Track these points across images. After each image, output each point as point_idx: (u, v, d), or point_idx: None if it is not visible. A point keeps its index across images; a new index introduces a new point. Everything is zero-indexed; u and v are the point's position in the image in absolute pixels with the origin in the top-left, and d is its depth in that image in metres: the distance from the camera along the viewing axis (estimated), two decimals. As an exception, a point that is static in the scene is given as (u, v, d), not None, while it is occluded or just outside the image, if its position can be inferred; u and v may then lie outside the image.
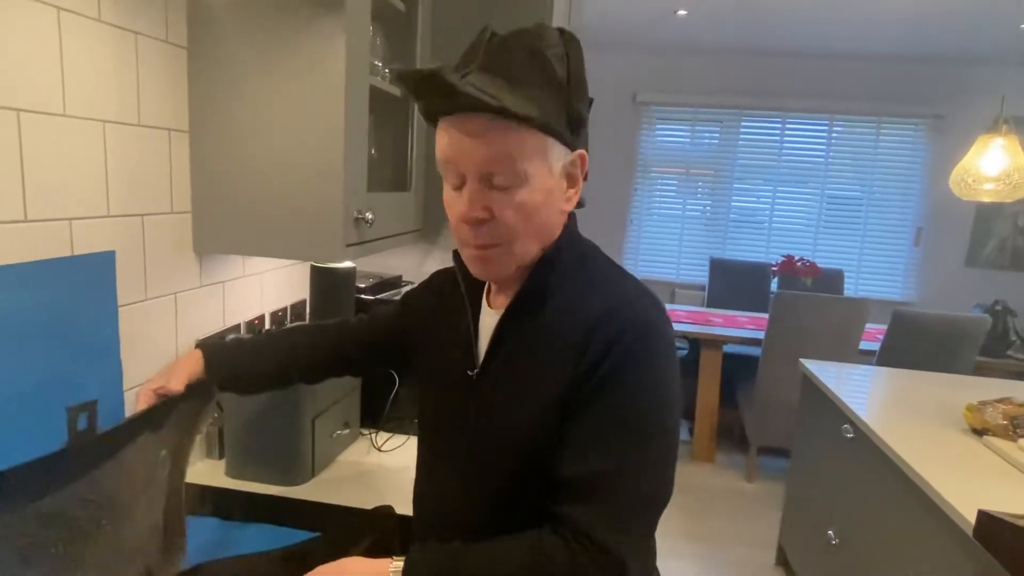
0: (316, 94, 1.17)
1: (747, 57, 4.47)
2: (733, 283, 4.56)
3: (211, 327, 1.35)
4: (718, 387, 3.61)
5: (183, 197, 1.23)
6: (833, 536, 2.05)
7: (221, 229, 1.25)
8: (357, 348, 1.08)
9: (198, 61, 1.19)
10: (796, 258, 3.87)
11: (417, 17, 1.55)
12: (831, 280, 4.33)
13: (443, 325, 0.91)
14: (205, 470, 1.30)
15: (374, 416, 1.47)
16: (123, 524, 0.82)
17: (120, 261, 1.08)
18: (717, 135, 4.66)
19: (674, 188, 4.80)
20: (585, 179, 0.80)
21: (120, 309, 1.09)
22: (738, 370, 3.95)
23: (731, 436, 4.02)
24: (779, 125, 4.56)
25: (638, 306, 0.77)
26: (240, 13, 1.17)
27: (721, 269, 4.62)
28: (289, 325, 1.08)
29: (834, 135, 4.52)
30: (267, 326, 1.55)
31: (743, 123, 4.60)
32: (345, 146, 1.17)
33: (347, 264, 1.43)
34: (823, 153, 4.55)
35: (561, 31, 0.74)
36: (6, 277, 0.87)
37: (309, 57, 1.16)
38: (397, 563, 0.72)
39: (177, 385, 0.96)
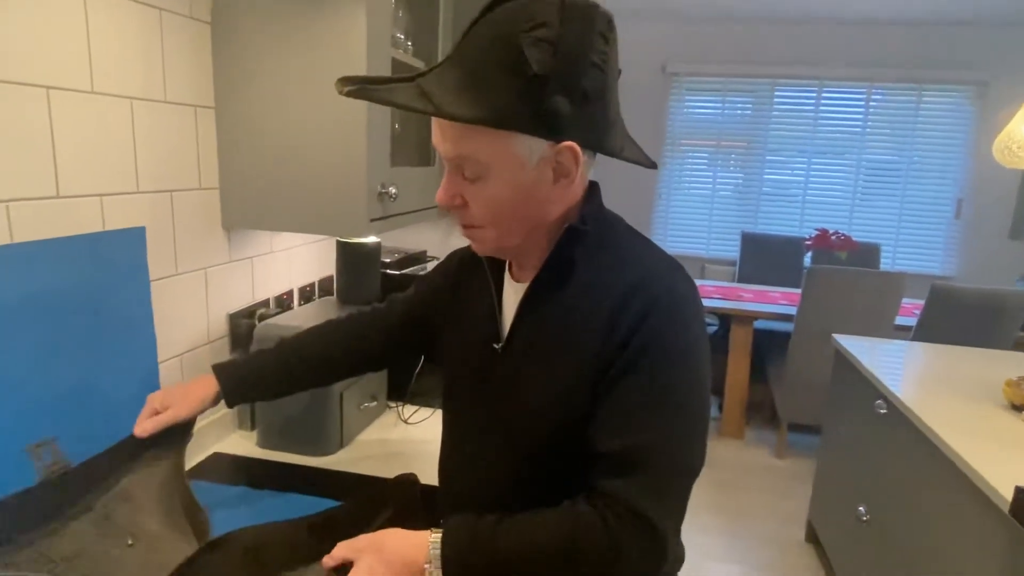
0: (338, 68, 1.16)
1: (781, 24, 4.33)
2: (765, 258, 4.48)
3: (241, 301, 1.38)
4: (748, 363, 3.57)
5: (211, 173, 1.25)
6: (864, 512, 2.03)
7: (248, 205, 1.27)
8: (378, 342, 1.06)
9: (222, 36, 1.20)
10: (831, 232, 3.78)
11: (439, -12, 1.53)
12: (867, 254, 4.22)
13: (466, 301, 0.91)
14: (238, 441, 1.34)
15: (400, 390, 1.49)
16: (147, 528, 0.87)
17: (150, 236, 1.10)
18: (750, 106, 4.54)
19: (704, 161, 4.70)
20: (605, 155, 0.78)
21: (152, 283, 1.11)
22: (770, 346, 3.90)
23: (761, 412, 3.98)
24: (814, 94, 4.42)
25: (667, 279, 0.76)
26: (262, -13, 1.17)
27: (753, 244, 4.53)
28: (306, 328, 1.06)
29: (872, 104, 4.37)
30: (296, 301, 1.57)
31: (777, 93, 4.47)
32: (368, 121, 1.17)
33: (372, 239, 1.44)
34: (860, 123, 4.40)
35: (564, 6, 0.68)
36: (42, 251, 0.89)
37: (331, 31, 1.15)
38: (436, 535, 0.72)
39: (186, 413, 0.95)
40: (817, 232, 3.84)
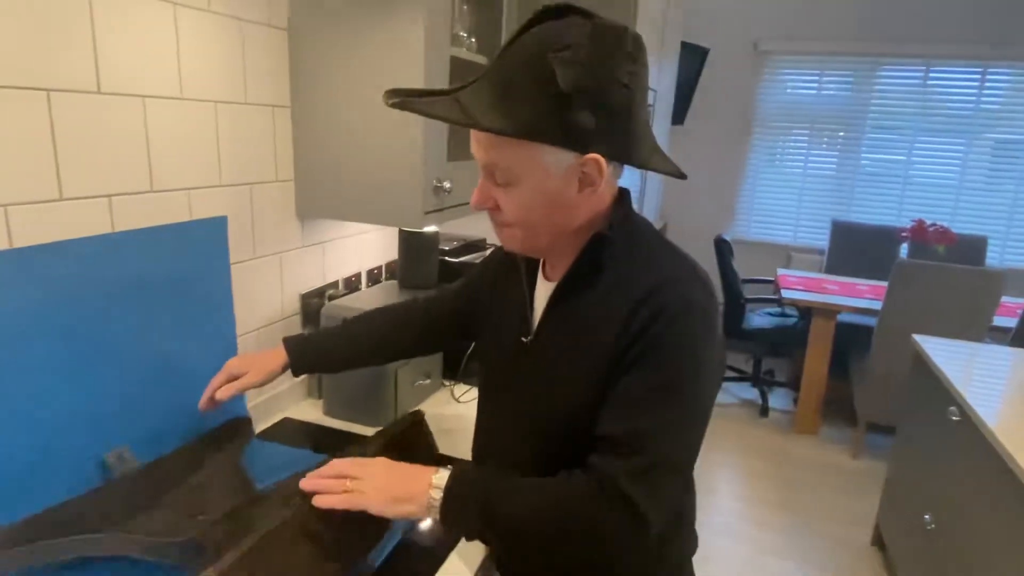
0: (399, 69, 1.25)
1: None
2: (856, 248, 4.26)
3: (312, 283, 1.51)
4: (827, 358, 3.44)
5: (286, 167, 1.37)
6: (929, 521, 1.95)
7: (319, 196, 1.39)
8: (426, 329, 1.17)
9: (297, 41, 1.31)
10: (928, 223, 3.54)
11: (504, -15, 1.58)
12: (971, 247, 3.93)
13: (502, 296, 0.99)
14: (307, 408, 1.48)
15: (453, 369, 1.58)
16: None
17: (231, 224, 1.24)
18: (848, 86, 4.28)
19: (795, 144, 4.49)
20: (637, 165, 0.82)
21: (232, 266, 1.26)
22: (853, 341, 3.73)
23: (841, 409, 3.83)
24: (921, 74, 4.11)
25: (683, 285, 0.80)
26: (333, -5, 1.26)
27: (844, 232, 4.32)
28: (367, 311, 1.19)
29: (986, 84, 4.01)
30: (364, 283, 1.70)
31: (879, 72, 4.19)
32: (426, 120, 1.25)
33: (431, 228, 1.53)
34: (972, 105, 4.06)
35: (594, 29, 0.73)
36: (138, 239, 1.04)
37: (392, 33, 1.24)
38: (441, 474, 0.82)
39: (259, 380, 1.08)
40: (914, 223, 3.61)
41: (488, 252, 1.42)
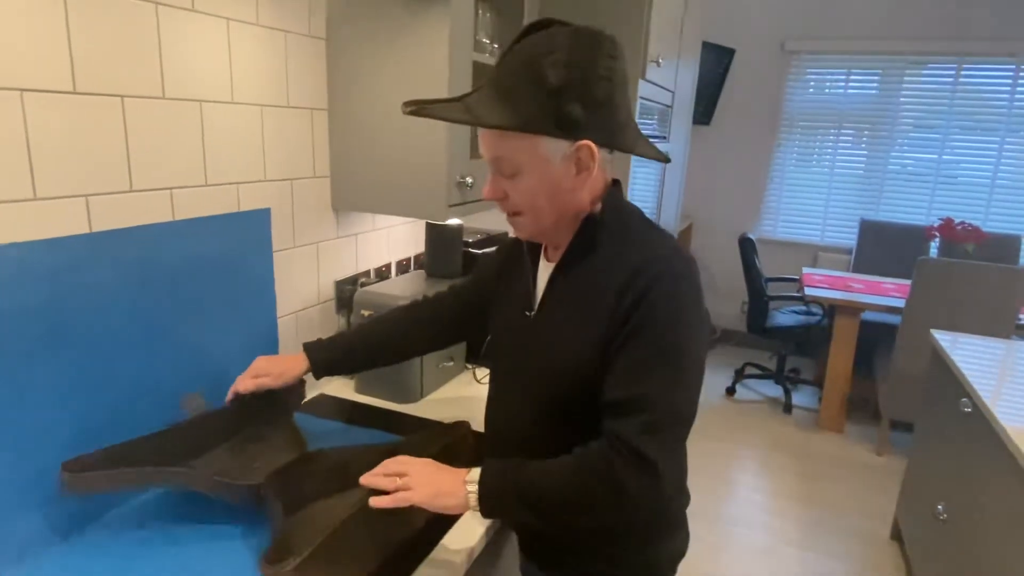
0: (424, 73, 1.37)
1: (917, -4, 4.03)
2: (885, 247, 4.25)
3: (346, 271, 1.64)
4: (851, 356, 3.46)
5: (323, 164, 1.50)
6: (942, 511, 1.99)
7: (352, 190, 1.51)
8: (439, 326, 1.25)
9: (334, 50, 1.44)
10: (956, 221, 3.53)
11: (525, -7, 1.69)
12: (1004, 246, 3.90)
13: (508, 282, 1.10)
14: (340, 386, 1.61)
15: (475, 352, 1.70)
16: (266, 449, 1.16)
17: (274, 216, 1.37)
18: (876, 84, 4.28)
19: (823, 143, 4.50)
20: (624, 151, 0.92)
21: (274, 254, 1.39)
22: (878, 339, 3.74)
23: (866, 407, 3.83)
24: (952, 71, 4.09)
25: (667, 260, 0.90)
26: (366, 6, 1.39)
27: (872, 231, 4.31)
28: (383, 313, 1.27)
29: (1020, 81, 3.97)
30: (393, 272, 1.82)
31: (908, 70, 4.18)
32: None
33: (455, 221, 1.65)
34: (1006, 102, 4.02)
35: (575, 34, 0.84)
36: (194, 227, 1.17)
37: (419, 40, 1.36)
38: (474, 472, 0.92)
39: (275, 384, 1.18)
40: (942, 221, 3.61)
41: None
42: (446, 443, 1.14)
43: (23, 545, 0.93)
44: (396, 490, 0.92)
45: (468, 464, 0.95)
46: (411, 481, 0.92)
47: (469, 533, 1.06)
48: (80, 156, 0.98)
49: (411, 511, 0.92)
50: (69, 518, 0.99)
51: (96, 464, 0.96)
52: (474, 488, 0.90)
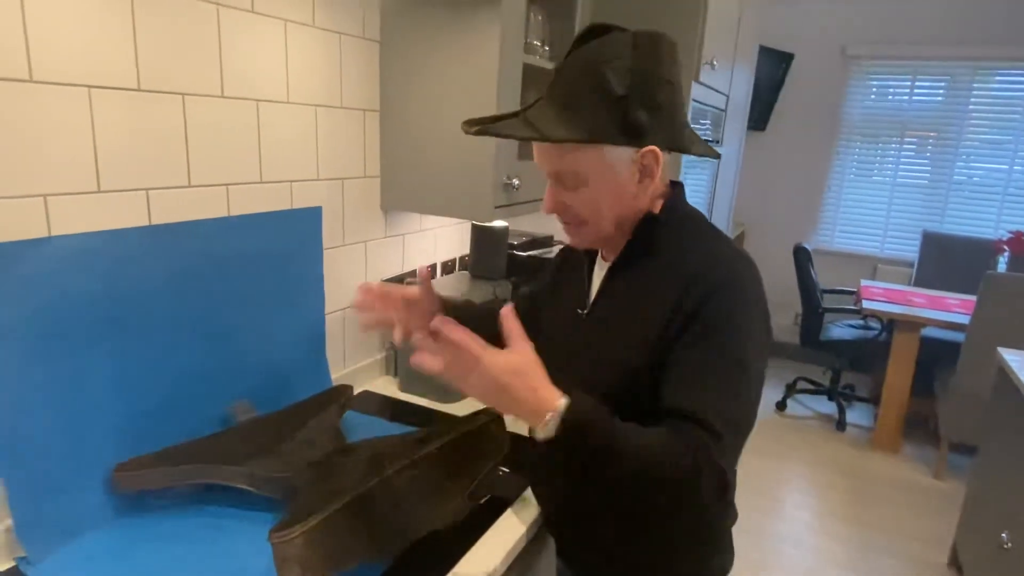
0: (474, 76, 1.37)
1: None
2: (949, 261, 4.06)
3: (392, 270, 1.66)
4: (910, 373, 3.31)
5: (374, 164, 1.52)
6: (1007, 540, 1.88)
7: (401, 191, 1.53)
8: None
9: (387, 52, 1.46)
10: (1028, 235, 3.35)
11: (577, -4, 1.68)
12: (1080, 263, 3.67)
13: (564, 286, 1.10)
14: (384, 384, 1.63)
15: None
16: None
17: (325, 214, 1.40)
18: (942, 91, 4.10)
19: (884, 151, 4.33)
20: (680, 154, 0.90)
21: (324, 251, 1.41)
22: (940, 357, 3.57)
23: (923, 428, 3.66)
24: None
25: (730, 266, 0.87)
26: (419, 8, 1.40)
27: (935, 244, 4.13)
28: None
29: (1103, 88, 3.74)
30: (439, 273, 1.83)
31: (977, 76, 3.99)
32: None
33: (501, 223, 1.65)
34: (1086, 110, 3.79)
35: (635, 39, 0.83)
36: (249, 223, 1.20)
37: (469, 43, 1.36)
38: (566, 397, 0.78)
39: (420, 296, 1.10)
40: (1012, 234, 3.43)
41: (558, 247, 1.51)
42: (469, 430, 1.13)
43: (75, 523, 0.97)
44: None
45: (494, 455, 0.93)
46: (476, 373, 0.77)
47: (505, 537, 1.05)
48: (142, 151, 1.02)
49: (442, 491, 0.90)
50: (119, 501, 1.03)
51: (148, 464, 1.01)
52: (563, 402, 0.77)
